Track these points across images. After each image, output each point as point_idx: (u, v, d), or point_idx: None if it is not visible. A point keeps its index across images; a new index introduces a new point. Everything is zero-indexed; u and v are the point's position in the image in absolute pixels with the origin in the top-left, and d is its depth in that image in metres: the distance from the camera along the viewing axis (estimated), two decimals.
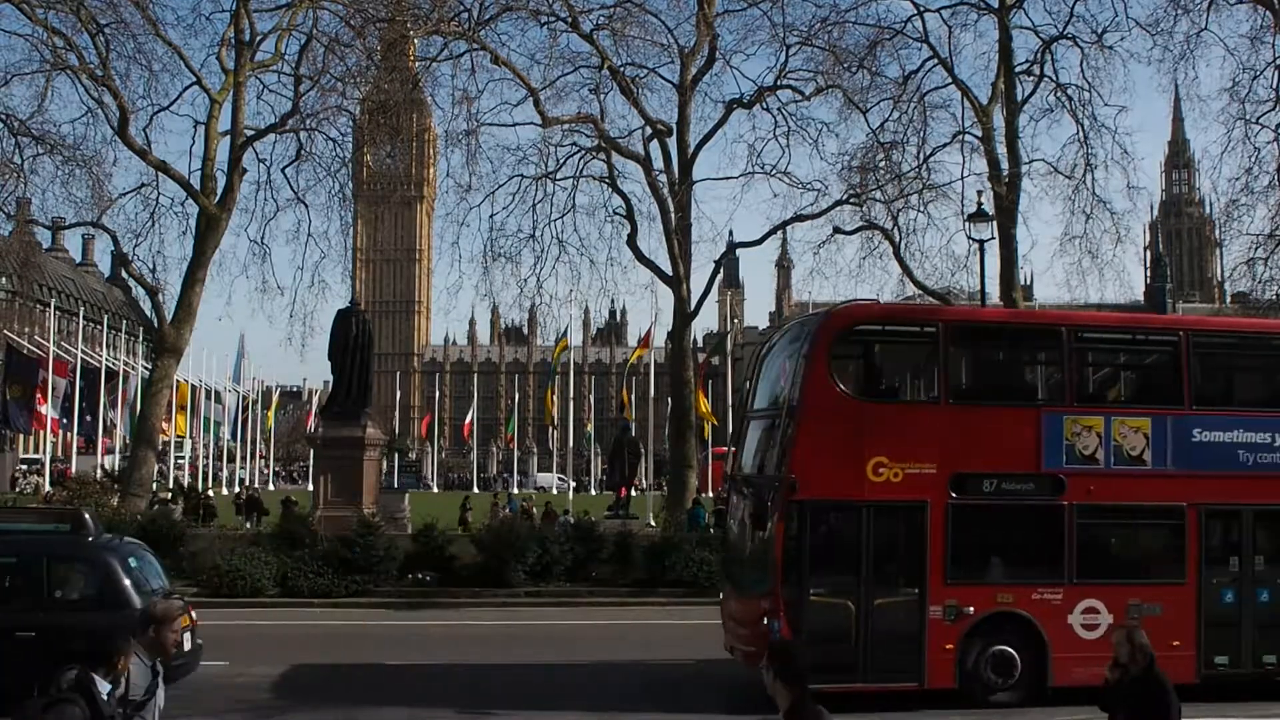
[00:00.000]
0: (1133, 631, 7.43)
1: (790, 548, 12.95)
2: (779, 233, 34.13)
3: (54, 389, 42.72)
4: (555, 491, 62.34)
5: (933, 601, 13.18)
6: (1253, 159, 28.94)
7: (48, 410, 43.09)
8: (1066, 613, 13.50)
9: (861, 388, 14.43)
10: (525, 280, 31.66)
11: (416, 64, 32.99)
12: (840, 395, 13.58)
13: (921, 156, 30.59)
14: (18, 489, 48.88)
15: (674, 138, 31.35)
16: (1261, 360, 16.34)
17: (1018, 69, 30.91)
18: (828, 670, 12.27)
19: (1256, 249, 30.14)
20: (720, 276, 35.31)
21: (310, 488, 30.48)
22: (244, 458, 70.19)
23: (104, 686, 5.63)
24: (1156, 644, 13.10)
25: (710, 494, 40.82)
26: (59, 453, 56.58)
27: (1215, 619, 13.92)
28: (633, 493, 33.49)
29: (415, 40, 32.19)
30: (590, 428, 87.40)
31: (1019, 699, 13.25)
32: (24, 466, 58.53)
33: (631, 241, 31.69)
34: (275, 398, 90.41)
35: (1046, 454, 13.73)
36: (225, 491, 56.88)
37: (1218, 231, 38.62)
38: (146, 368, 44.77)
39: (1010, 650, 13.36)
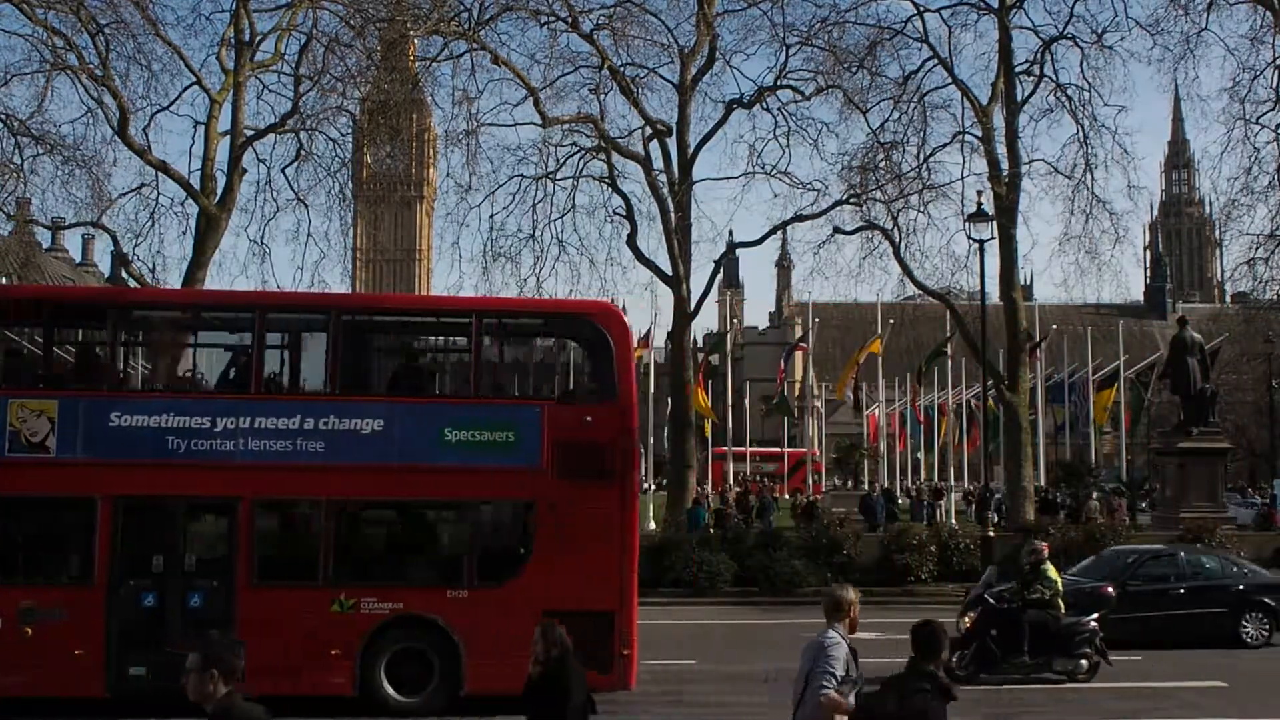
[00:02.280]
0: (547, 627, 7.56)
1: None
2: (779, 233, 34.17)
3: None
4: None
5: None
6: (1253, 159, 28.99)
7: None
8: None
9: None
10: (525, 280, 31.60)
11: (416, 64, 32.93)
12: None
13: (921, 156, 30.57)
14: None
15: (674, 138, 31.32)
16: (195, 335, 15.53)
17: (1018, 69, 30.94)
18: None
19: (1256, 249, 30.17)
20: (720, 276, 35.32)
21: None
22: None
23: None
24: (60, 653, 12.54)
25: (712, 493, 40.74)
26: None
27: (132, 625, 12.62)
28: None
29: (415, 40, 32.14)
30: None
31: None
32: None
33: (631, 241, 31.69)
34: None
35: None
36: None
37: (1218, 231, 38.71)
38: None
39: None
